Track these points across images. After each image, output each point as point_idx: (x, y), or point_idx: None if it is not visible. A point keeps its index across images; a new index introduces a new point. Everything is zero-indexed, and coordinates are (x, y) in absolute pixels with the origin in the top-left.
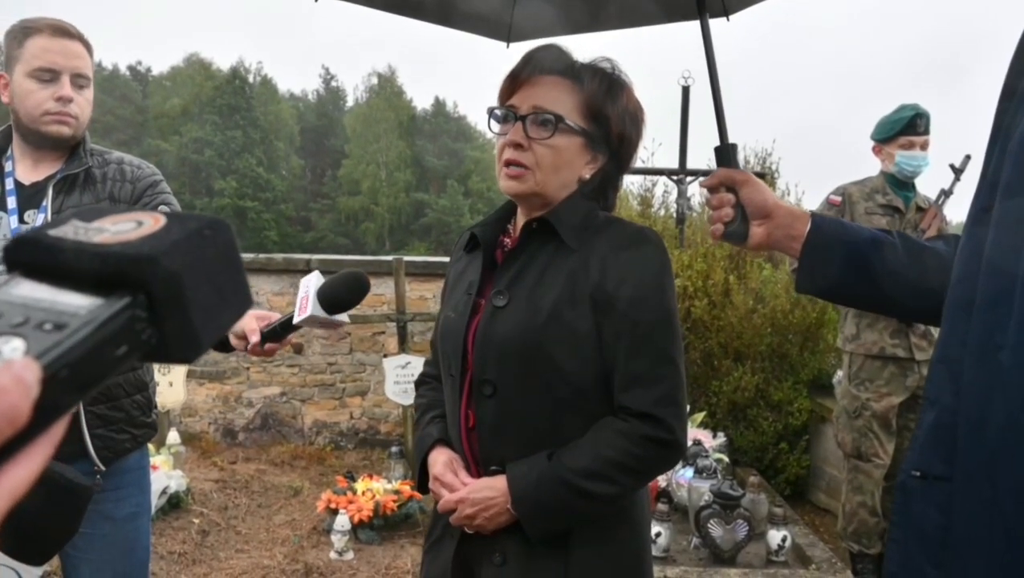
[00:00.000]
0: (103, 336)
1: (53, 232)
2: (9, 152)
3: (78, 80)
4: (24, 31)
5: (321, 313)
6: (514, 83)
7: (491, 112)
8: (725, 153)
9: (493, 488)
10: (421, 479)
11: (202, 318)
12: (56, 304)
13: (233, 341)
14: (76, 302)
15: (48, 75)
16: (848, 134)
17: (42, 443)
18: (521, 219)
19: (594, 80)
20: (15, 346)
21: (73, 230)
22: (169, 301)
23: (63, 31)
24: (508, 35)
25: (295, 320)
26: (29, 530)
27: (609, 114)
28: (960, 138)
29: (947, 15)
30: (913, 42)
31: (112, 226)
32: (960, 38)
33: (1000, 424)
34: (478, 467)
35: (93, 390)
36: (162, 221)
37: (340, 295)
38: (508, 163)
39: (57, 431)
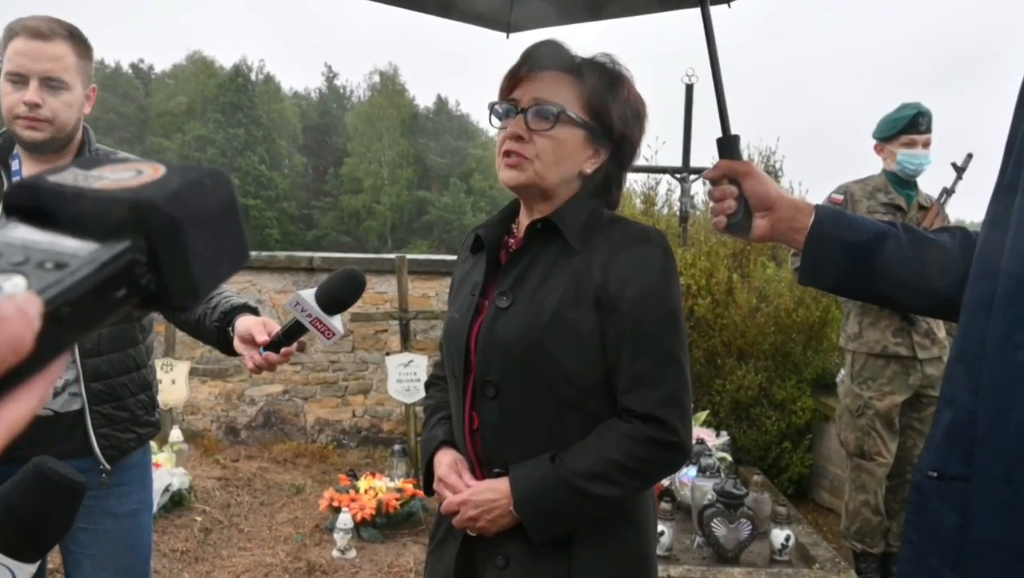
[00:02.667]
0: (104, 277)
1: (53, 178)
2: (15, 151)
3: (49, 83)
4: (8, 33)
5: (331, 320)
6: (514, 79)
7: (492, 108)
8: (727, 145)
9: (496, 490)
10: (427, 481)
11: (200, 266)
12: (55, 246)
13: (238, 345)
14: (75, 245)
15: (17, 79)
16: (854, 132)
17: (40, 381)
18: (524, 219)
19: (594, 74)
20: (16, 282)
21: (73, 177)
22: (169, 247)
23: (37, 33)
24: (508, 26)
25: (326, 344)
26: (23, 527)
27: (610, 108)
28: (973, 135)
29: (956, 14)
30: (918, 40)
31: (112, 174)
32: (969, 38)
33: (1019, 424)
34: (482, 469)
35: (92, 331)
36: (162, 170)
37: (340, 295)
38: (507, 153)
39: (55, 371)
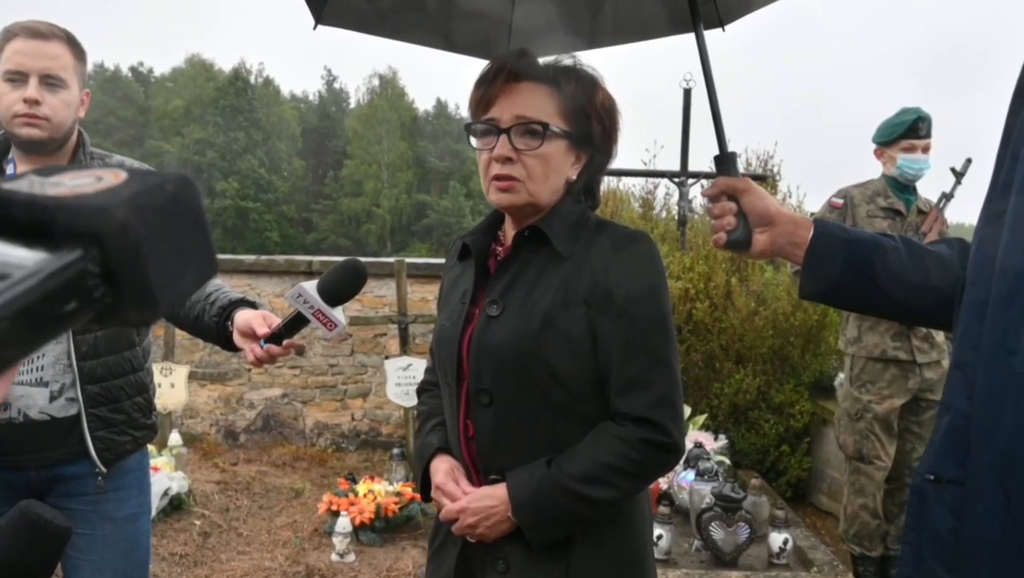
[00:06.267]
0: (49, 289)
1: (6, 185)
2: (10, 155)
3: (48, 81)
4: (5, 35)
5: (333, 312)
6: (488, 94)
7: (469, 128)
8: (725, 162)
9: (494, 497)
10: (424, 487)
11: (159, 276)
12: (2, 256)
13: (238, 339)
14: (22, 255)
15: (17, 77)
16: (853, 136)
17: None
18: (511, 227)
19: (570, 81)
20: None
21: (28, 184)
22: (122, 255)
23: (36, 33)
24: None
25: (328, 336)
26: (6, 572)
27: (589, 112)
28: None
29: (956, 16)
30: (918, 43)
31: (70, 181)
32: (968, 42)
33: (1012, 428)
34: (479, 475)
35: (38, 347)
36: (123, 176)
37: (342, 286)
38: (497, 177)
39: (2, 386)
